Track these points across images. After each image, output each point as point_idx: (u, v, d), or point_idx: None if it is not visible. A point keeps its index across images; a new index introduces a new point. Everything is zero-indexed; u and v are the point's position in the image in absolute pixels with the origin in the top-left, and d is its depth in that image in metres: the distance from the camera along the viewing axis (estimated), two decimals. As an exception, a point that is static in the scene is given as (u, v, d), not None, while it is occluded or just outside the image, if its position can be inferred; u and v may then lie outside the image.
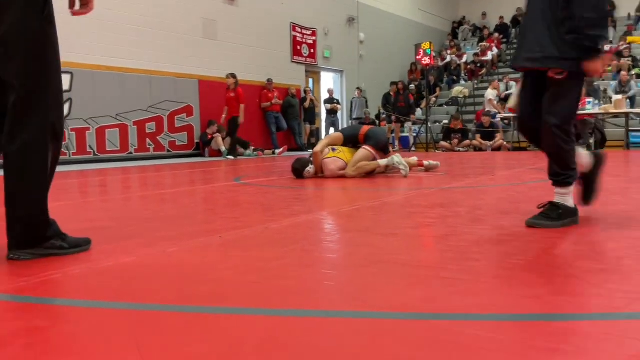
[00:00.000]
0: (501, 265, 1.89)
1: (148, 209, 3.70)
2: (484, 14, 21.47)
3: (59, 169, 2.37)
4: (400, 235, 2.54)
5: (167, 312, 1.49)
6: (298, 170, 5.75)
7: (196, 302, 1.57)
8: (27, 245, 2.10)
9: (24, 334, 1.34)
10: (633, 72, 14.08)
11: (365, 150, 5.81)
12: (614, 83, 13.75)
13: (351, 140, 6.00)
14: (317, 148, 5.87)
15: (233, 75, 11.72)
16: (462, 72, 17.97)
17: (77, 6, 2.24)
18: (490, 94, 13.87)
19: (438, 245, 2.30)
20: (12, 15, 2.02)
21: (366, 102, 15.76)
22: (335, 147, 5.87)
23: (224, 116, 11.86)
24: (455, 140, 12.58)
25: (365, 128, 6.12)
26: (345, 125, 15.86)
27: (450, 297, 1.55)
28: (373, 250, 2.21)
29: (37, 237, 2.12)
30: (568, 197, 2.62)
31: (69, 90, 9.69)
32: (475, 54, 18.18)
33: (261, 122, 13.93)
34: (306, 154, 6.85)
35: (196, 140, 12.15)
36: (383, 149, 5.95)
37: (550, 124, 2.49)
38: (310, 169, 5.74)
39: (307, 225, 2.90)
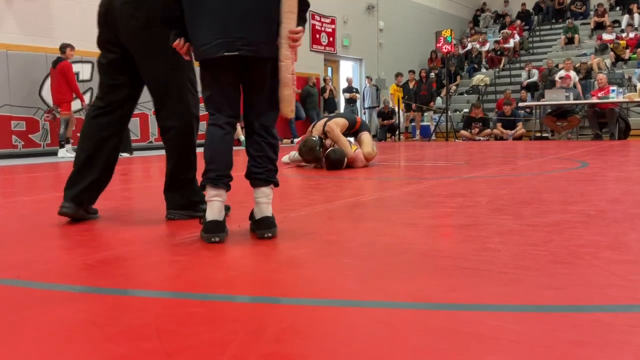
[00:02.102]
0: (523, 256, 1.87)
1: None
2: (506, 1, 21.11)
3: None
4: (420, 225, 2.52)
5: (188, 299, 1.50)
6: (340, 162, 5.36)
7: (216, 290, 1.58)
8: (181, 207, 2.70)
9: (44, 321, 1.36)
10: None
11: (369, 135, 5.82)
12: (638, 71, 13.47)
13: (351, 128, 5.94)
14: (341, 138, 5.56)
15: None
16: (483, 60, 17.73)
17: None
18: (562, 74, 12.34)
19: (458, 235, 2.28)
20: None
21: (377, 90, 15.53)
22: (350, 139, 5.83)
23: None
24: (476, 129, 12.45)
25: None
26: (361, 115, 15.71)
27: (472, 288, 1.54)
28: (393, 240, 2.20)
29: (188, 201, 2.70)
30: (211, 202, 2.22)
31: (90, 80, 9.76)
32: (496, 42, 17.91)
33: (280, 111, 13.90)
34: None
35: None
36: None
37: None
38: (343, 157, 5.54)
39: (326, 214, 2.90)
